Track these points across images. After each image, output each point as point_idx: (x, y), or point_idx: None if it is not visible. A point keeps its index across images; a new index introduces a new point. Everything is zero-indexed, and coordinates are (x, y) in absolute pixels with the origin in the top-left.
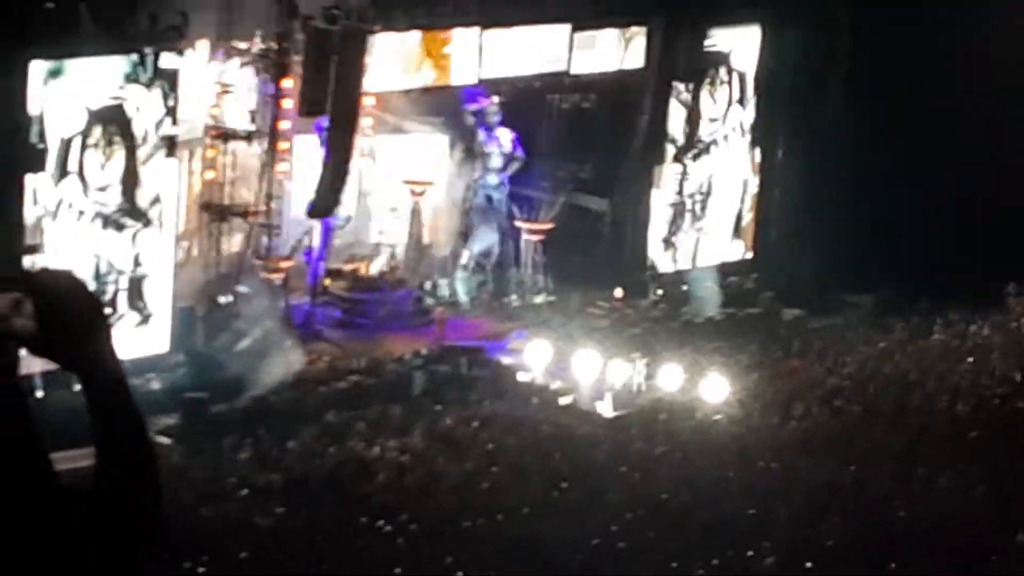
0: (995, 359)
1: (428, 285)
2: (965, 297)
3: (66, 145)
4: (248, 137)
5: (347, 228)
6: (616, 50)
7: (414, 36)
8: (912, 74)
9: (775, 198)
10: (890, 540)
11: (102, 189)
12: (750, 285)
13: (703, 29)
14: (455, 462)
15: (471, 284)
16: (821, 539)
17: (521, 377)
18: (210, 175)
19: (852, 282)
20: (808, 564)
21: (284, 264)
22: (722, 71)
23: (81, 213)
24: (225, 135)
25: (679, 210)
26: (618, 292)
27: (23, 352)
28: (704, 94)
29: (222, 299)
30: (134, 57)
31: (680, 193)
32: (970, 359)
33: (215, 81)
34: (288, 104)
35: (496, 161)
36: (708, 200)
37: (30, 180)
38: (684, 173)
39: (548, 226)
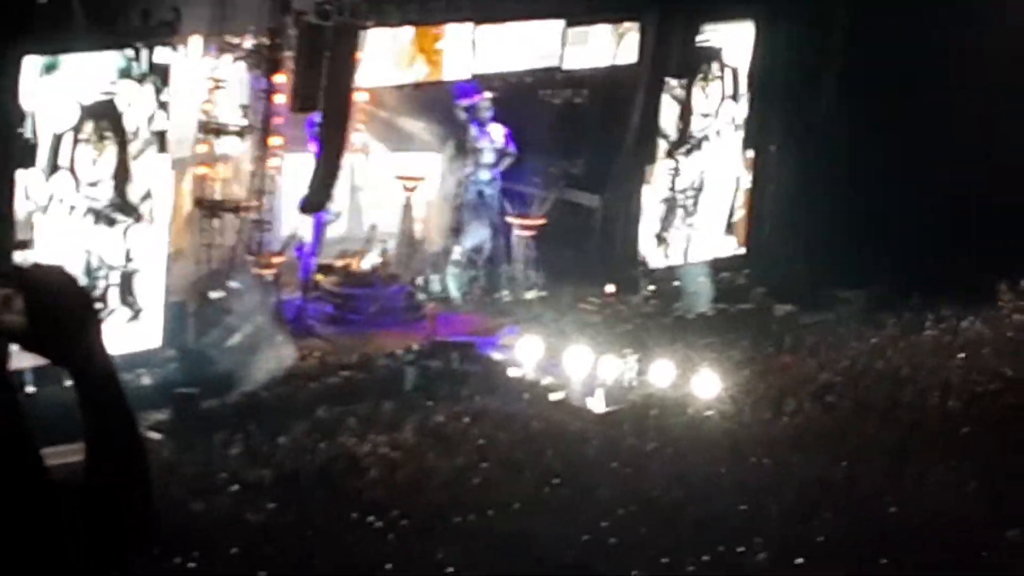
0: (987, 355)
1: (420, 280)
2: (957, 293)
3: (58, 140)
4: (240, 132)
5: (338, 223)
6: (609, 46)
7: (407, 32)
8: (905, 70)
9: (767, 194)
10: (882, 535)
11: (93, 184)
12: (742, 281)
13: (696, 25)
14: (446, 458)
15: (463, 280)
16: (813, 535)
17: (512, 373)
18: (202, 171)
19: (844, 278)
20: (799, 560)
21: (276, 260)
22: (715, 67)
23: (72, 208)
24: (217, 130)
25: (671, 206)
26: (610, 288)
27: (14, 347)
28: (697, 90)
29: (213, 294)
30: (127, 53)
31: (672, 189)
32: (962, 355)
33: (207, 76)
34: (280, 100)
35: (488, 157)
36: (700, 196)
37: (21, 175)
38: (676, 169)
39: (540, 222)
